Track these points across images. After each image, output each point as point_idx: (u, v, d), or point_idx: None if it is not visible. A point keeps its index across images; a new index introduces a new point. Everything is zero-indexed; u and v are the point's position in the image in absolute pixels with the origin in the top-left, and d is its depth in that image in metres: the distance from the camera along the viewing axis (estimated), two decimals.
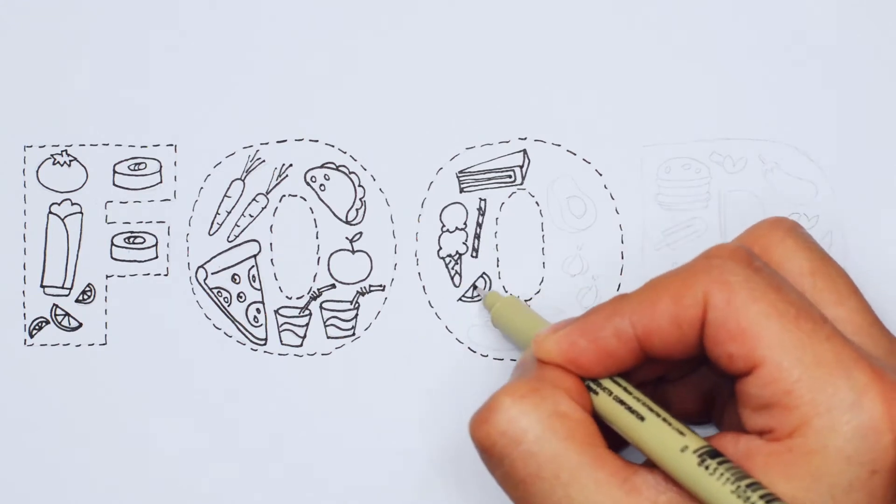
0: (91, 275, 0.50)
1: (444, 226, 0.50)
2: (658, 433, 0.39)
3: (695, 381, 0.44)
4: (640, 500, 0.38)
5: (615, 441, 0.41)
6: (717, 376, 0.44)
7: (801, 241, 0.42)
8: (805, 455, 0.37)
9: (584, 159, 0.50)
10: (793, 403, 0.37)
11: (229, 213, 0.50)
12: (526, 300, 0.49)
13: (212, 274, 0.50)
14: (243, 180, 0.50)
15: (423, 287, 0.50)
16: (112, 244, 0.50)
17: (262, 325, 0.50)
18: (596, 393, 0.41)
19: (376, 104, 0.50)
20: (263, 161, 0.50)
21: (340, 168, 0.50)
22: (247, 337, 0.50)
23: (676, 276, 0.40)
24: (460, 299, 0.50)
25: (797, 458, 0.37)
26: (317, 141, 0.50)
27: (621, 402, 0.40)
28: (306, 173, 0.50)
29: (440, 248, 0.50)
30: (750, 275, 0.39)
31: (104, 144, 0.50)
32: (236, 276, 0.50)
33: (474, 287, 0.49)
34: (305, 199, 0.50)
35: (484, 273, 0.50)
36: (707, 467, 0.37)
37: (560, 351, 0.41)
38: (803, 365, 0.37)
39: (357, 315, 0.50)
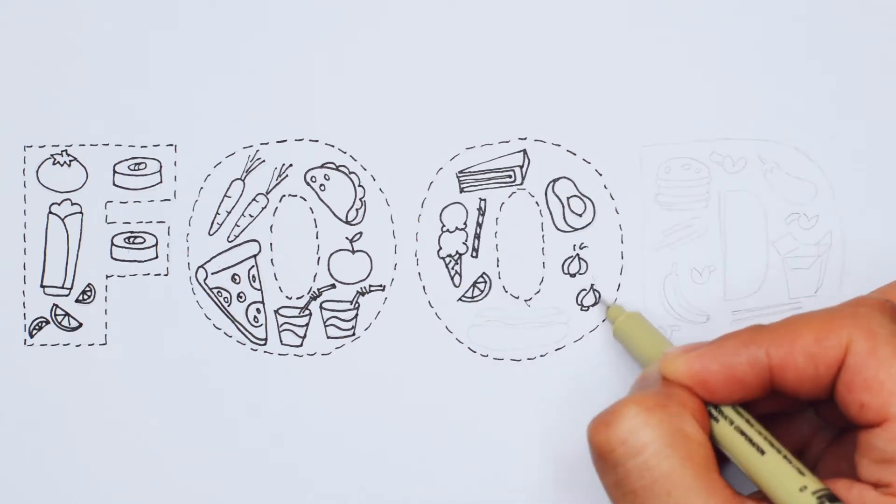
0: (91, 275, 0.50)
1: (444, 226, 0.50)
2: (778, 469, 0.39)
3: (798, 422, 0.45)
4: None
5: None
6: (823, 421, 0.44)
7: None
8: None
9: (584, 159, 0.50)
10: None
11: (229, 213, 0.50)
12: (526, 300, 0.49)
13: (212, 274, 0.50)
14: (243, 180, 0.50)
15: (423, 287, 0.50)
16: (112, 244, 0.50)
17: (262, 325, 0.50)
18: (717, 420, 0.41)
19: (376, 104, 0.50)
20: (263, 161, 0.50)
21: (340, 168, 0.50)
22: (247, 337, 0.50)
23: (821, 316, 0.40)
24: (460, 299, 0.50)
25: None
26: (317, 141, 0.50)
27: (742, 433, 0.40)
28: (306, 173, 0.50)
29: (440, 248, 0.50)
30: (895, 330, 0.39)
31: (104, 144, 0.50)
32: (236, 276, 0.50)
33: (596, 292, 0.49)
34: (305, 199, 0.50)
35: (484, 273, 0.50)
36: None
37: (690, 371, 0.41)
38: None
39: (357, 315, 0.50)
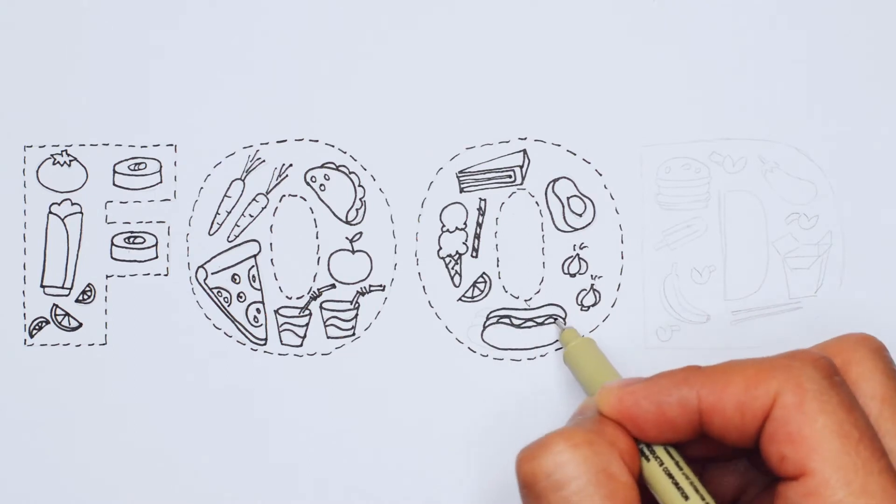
0: (91, 275, 0.50)
1: (444, 226, 0.50)
2: None
3: (733, 468, 0.45)
4: None
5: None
6: (756, 471, 0.44)
7: (882, 365, 0.42)
8: None
9: (584, 159, 0.50)
10: None
11: (229, 213, 0.50)
12: (526, 300, 0.49)
13: (212, 274, 0.50)
14: (243, 180, 0.50)
15: (423, 287, 0.50)
16: (112, 244, 0.50)
17: (262, 325, 0.50)
18: (647, 459, 0.41)
19: (376, 104, 0.50)
20: (263, 161, 0.50)
21: (340, 168, 0.50)
22: (247, 337, 0.50)
23: (755, 365, 0.40)
24: (460, 299, 0.50)
25: None
26: (317, 141, 0.50)
27: (670, 475, 0.40)
28: (306, 173, 0.50)
29: (440, 248, 0.50)
30: (826, 387, 0.39)
31: (104, 144, 0.50)
32: (236, 276, 0.50)
33: (554, 319, 0.49)
34: (305, 199, 0.50)
35: (484, 273, 0.50)
36: None
37: (622, 406, 0.41)
38: (849, 489, 0.38)
39: (357, 315, 0.50)
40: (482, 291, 0.50)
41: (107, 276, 0.50)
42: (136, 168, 0.50)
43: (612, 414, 0.41)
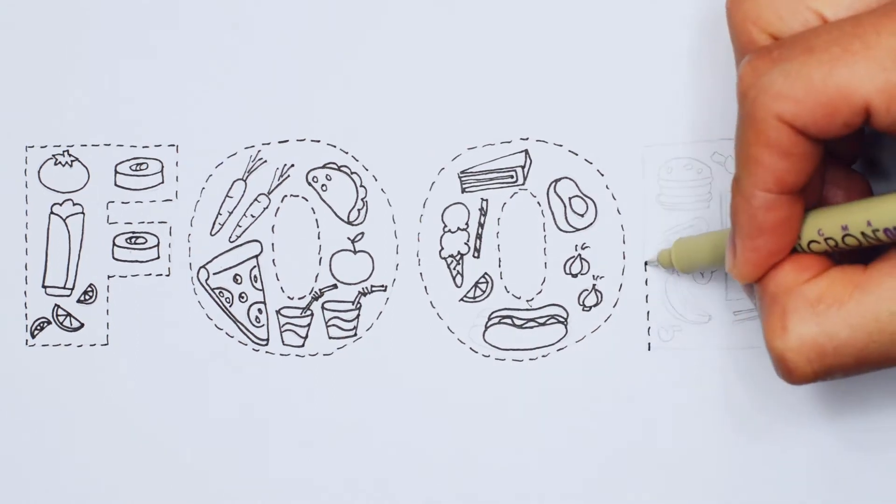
0: (93, 275, 0.50)
1: (445, 226, 0.50)
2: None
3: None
4: None
5: None
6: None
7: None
8: None
9: (585, 159, 0.50)
10: None
11: (231, 213, 0.50)
12: (527, 300, 0.49)
13: (213, 274, 0.50)
14: (245, 180, 0.50)
15: (425, 287, 0.50)
16: (114, 244, 0.50)
17: (263, 325, 0.50)
18: (824, 246, 0.41)
19: (378, 104, 0.50)
20: (265, 161, 0.50)
21: (342, 168, 0.50)
22: (248, 337, 0.50)
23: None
24: (462, 300, 0.50)
25: None
26: (318, 141, 0.50)
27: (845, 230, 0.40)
28: (308, 173, 0.50)
29: (442, 249, 0.50)
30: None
31: (105, 145, 0.50)
32: (238, 277, 0.50)
33: (648, 262, 0.49)
34: (307, 200, 0.50)
35: (486, 273, 0.50)
36: None
37: (755, 271, 0.41)
38: None
39: (359, 315, 0.50)
40: (484, 292, 0.50)
41: (108, 277, 0.50)
42: (138, 168, 0.50)
43: (752, 278, 0.41)
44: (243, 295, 0.50)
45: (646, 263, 0.49)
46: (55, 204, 0.50)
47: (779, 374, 0.40)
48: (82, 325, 0.50)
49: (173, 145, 0.50)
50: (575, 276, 0.50)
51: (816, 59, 0.37)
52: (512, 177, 0.50)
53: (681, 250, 0.47)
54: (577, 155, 0.50)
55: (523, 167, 0.50)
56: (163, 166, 0.50)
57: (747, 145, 0.39)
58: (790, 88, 0.38)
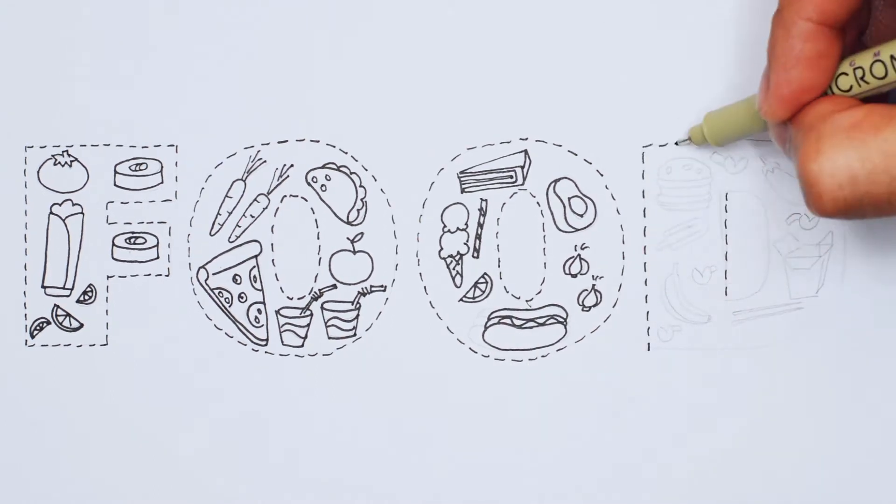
0: (92, 275, 0.50)
1: (445, 226, 0.50)
2: None
3: None
4: None
5: None
6: None
7: None
8: None
9: (585, 160, 0.50)
10: None
11: (230, 213, 0.50)
12: (527, 300, 0.49)
13: (213, 274, 0.50)
14: (244, 181, 0.50)
15: (425, 287, 0.50)
16: (113, 244, 0.50)
17: (263, 325, 0.50)
18: (852, 78, 0.41)
19: (378, 105, 0.50)
20: (264, 161, 0.50)
21: (341, 168, 0.50)
22: (248, 337, 0.50)
23: None
24: (461, 300, 0.50)
25: None
26: (318, 141, 0.50)
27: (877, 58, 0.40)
28: (307, 174, 0.50)
29: (441, 249, 0.50)
30: None
31: (105, 145, 0.50)
32: (237, 277, 0.50)
33: (679, 142, 0.49)
34: (307, 200, 0.50)
35: (485, 273, 0.50)
36: None
37: (786, 106, 0.41)
38: None
39: (358, 315, 0.50)
40: (483, 292, 0.50)
41: (108, 277, 0.50)
42: (137, 168, 0.50)
43: (785, 115, 0.41)
44: (243, 295, 0.50)
45: (677, 143, 0.49)
46: (55, 204, 0.50)
47: (807, 202, 0.40)
48: (82, 325, 0.50)
49: (173, 145, 0.50)
50: (574, 276, 0.50)
51: None
52: (511, 177, 0.50)
53: (712, 122, 0.47)
54: (576, 155, 0.50)
55: (523, 167, 0.50)
56: (162, 166, 0.50)
57: None
58: None
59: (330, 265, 0.50)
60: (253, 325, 0.50)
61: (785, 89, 0.41)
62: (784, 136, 0.43)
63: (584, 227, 0.50)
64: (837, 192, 0.39)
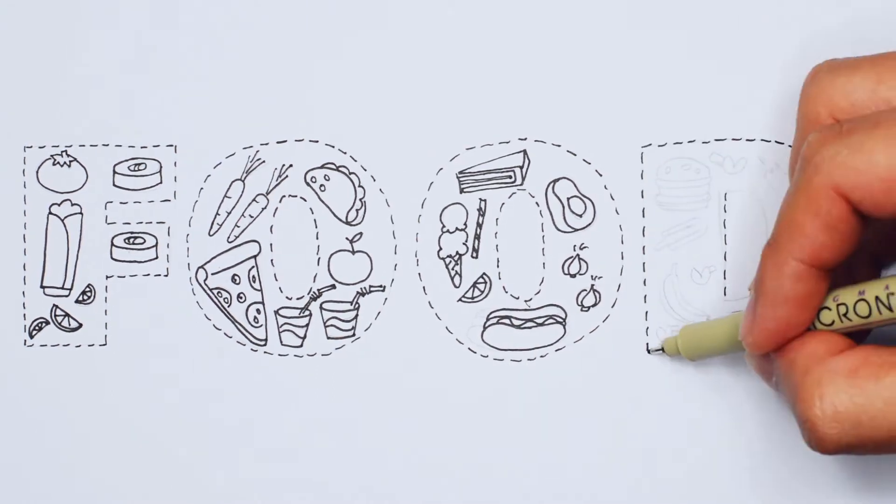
0: (91, 275, 0.50)
1: (444, 226, 0.50)
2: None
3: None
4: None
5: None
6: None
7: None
8: None
9: (584, 160, 0.50)
10: None
11: (229, 213, 0.50)
12: (526, 300, 0.49)
13: (212, 274, 0.50)
14: (243, 181, 0.50)
15: (424, 288, 0.50)
16: (112, 245, 0.50)
17: (262, 325, 0.50)
18: (835, 314, 0.41)
19: (376, 105, 0.50)
20: (263, 161, 0.50)
21: (340, 168, 0.50)
22: (247, 337, 0.50)
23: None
24: (460, 300, 0.50)
25: None
26: (317, 141, 0.50)
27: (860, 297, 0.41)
28: (306, 174, 0.50)
29: (440, 249, 0.50)
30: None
31: (104, 145, 0.50)
32: (236, 277, 0.50)
33: (651, 350, 0.49)
34: (305, 200, 0.50)
35: (484, 273, 0.50)
36: None
37: (771, 341, 0.42)
38: None
39: (357, 316, 0.50)
40: (482, 292, 0.50)
41: (107, 277, 0.50)
42: (136, 168, 0.50)
43: (770, 348, 0.42)
44: (242, 295, 0.50)
45: (649, 351, 0.49)
46: (53, 204, 0.50)
47: (807, 441, 0.40)
48: (81, 325, 0.50)
49: (172, 145, 0.50)
50: (573, 276, 0.50)
51: (882, 134, 0.38)
52: (510, 177, 0.50)
53: (688, 337, 0.47)
54: (575, 155, 0.50)
55: (521, 167, 0.50)
56: (161, 166, 0.50)
57: (795, 211, 0.40)
58: (852, 159, 0.38)
59: (329, 265, 0.50)
60: (252, 325, 0.50)
61: (772, 324, 0.41)
62: (767, 369, 0.43)
63: (583, 227, 0.50)
64: (840, 437, 0.40)
